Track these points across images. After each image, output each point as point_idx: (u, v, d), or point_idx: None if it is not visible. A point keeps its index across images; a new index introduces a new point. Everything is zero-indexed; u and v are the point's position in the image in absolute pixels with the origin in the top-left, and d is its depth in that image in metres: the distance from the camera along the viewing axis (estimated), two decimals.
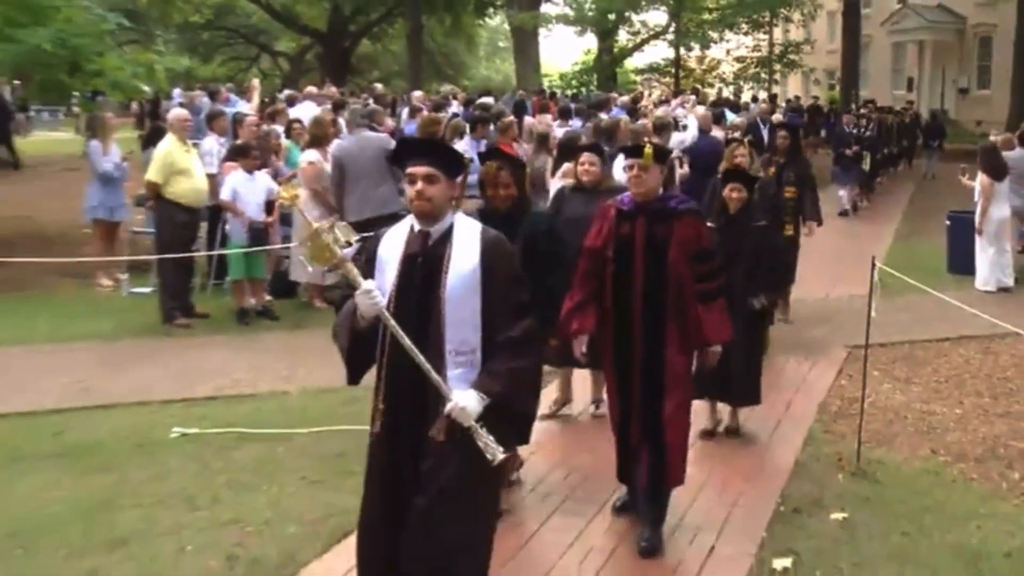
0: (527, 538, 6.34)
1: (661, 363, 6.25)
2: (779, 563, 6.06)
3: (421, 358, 4.41)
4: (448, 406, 4.41)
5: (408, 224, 4.77)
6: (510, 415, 4.65)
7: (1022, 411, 8.98)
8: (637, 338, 6.31)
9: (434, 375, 4.44)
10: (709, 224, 7.42)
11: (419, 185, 4.56)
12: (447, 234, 4.66)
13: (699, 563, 6.07)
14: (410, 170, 4.60)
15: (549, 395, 8.45)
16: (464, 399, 4.41)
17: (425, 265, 4.63)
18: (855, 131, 22.55)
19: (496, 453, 4.38)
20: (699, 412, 7.60)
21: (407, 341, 4.41)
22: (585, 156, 8.32)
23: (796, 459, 7.74)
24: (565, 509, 6.83)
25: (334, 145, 12.34)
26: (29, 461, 7.50)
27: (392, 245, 4.74)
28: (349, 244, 4.55)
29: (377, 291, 4.50)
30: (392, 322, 4.45)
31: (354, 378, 4.86)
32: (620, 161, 11.84)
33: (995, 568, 6.09)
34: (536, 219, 6.87)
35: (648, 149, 6.36)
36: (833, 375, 9.87)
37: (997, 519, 6.76)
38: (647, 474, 6.32)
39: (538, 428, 6.16)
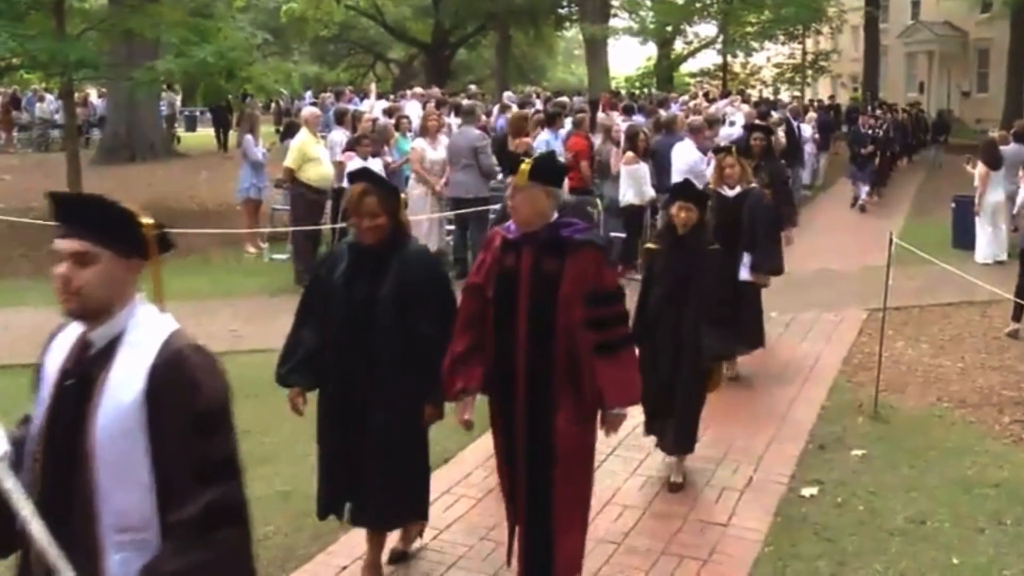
0: None
1: (549, 433, 4.29)
2: (807, 491, 6.05)
3: (45, 541, 2.42)
4: None
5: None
6: None
7: (1013, 365, 8.83)
8: (520, 398, 4.35)
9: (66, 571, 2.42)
10: (652, 245, 6.37)
11: (63, 268, 2.54)
12: (114, 343, 2.58)
13: (739, 490, 6.06)
14: (55, 244, 2.58)
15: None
16: None
17: (76, 392, 2.56)
18: (870, 132, 20.52)
19: None
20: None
21: (27, 513, 2.43)
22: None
23: (822, 404, 7.68)
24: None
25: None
26: None
27: (58, 351, 2.67)
28: None
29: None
30: (8, 482, 2.45)
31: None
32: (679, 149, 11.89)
33: (986, 495, 6.07)
34: (412, 259, 4.58)
35: (525, 165, 4.34)
36: (855, 333, 9.75)
37: (989, 455, 6.73)
38: (523, 566, 4.50)
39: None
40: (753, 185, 8.06)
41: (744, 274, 7.86)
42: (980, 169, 13.46)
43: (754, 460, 6.51)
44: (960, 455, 6.69)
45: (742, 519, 5.65)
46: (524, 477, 4.39)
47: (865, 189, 19.40)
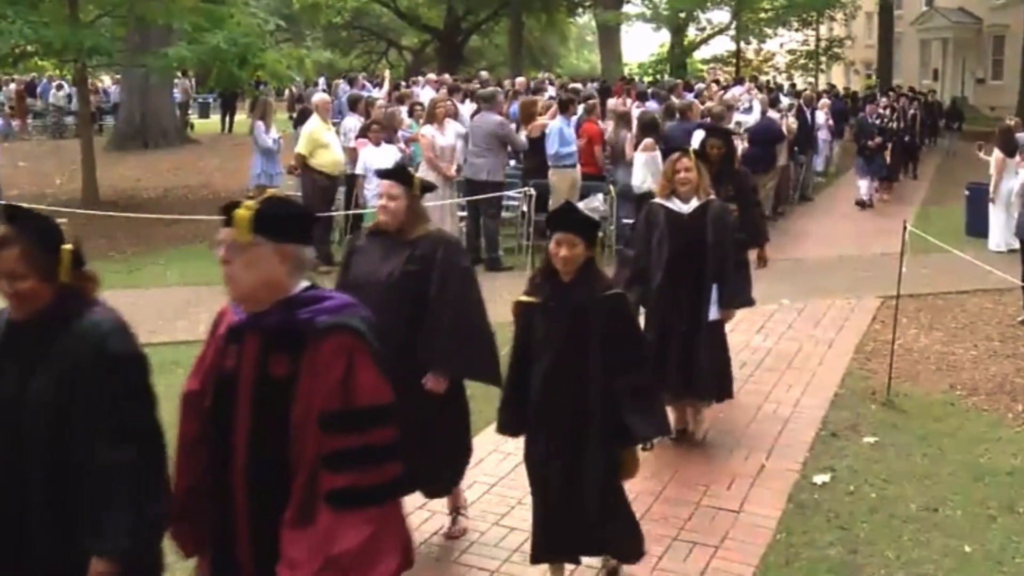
0: None
1: None
2: (819, 478, 6.04)
3: None
4: None
5: None
6: None
7: None
8: (244, 557, 2.95)
9: None
10: (528, 297, 4.45)
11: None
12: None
13: (752, 477, 6.05)
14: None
15: None
16: None
17: None
18: (878, 122, 18.36)
19: None
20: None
21: None
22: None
23: (835, 391, 7.65)
24: None
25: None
26: None
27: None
28: None
29: None
30: None
31: None
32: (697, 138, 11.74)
33: (999, 483, 6.05)
34: (84, 339, 2.95)
35: (244, 211, 2.87)
36: (868, 320, 9.71)
37: (1002, 443, 6.70)
38: None
39: None
40: (712, 197, 6.36)
41: (712, 312, 6.35)
42: (996, 156, 13.37)
43: (766, 447, 6.50)
44: (973, 443, 6.67)
45: (754, 506, 5.65)
46: None
47: (872, 185, 17.61)
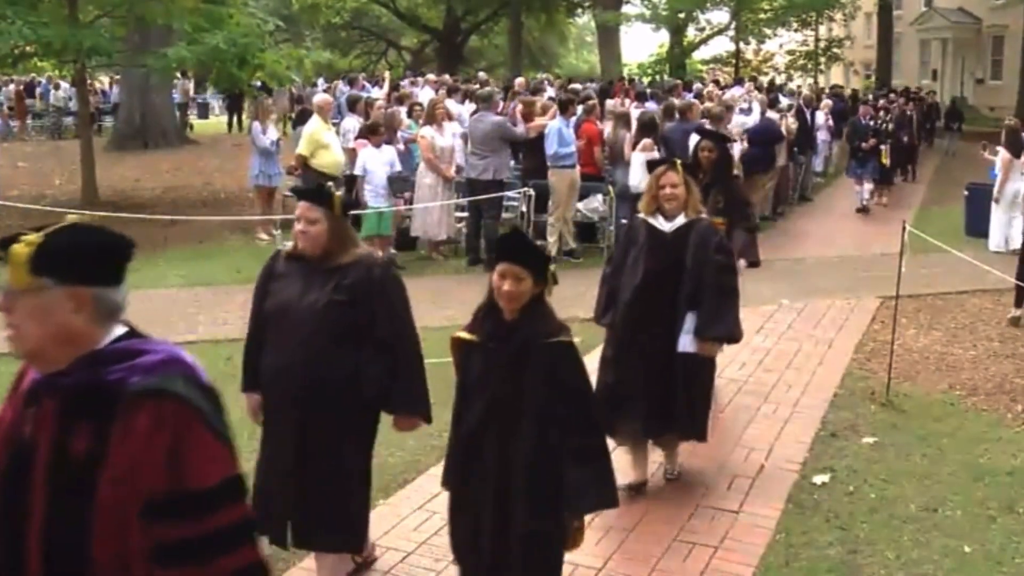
0: None
1: None
2: (819, 478, 6.04)
3: None
4: None
5: None
6: None
7: None
8: None
9: None
10: (466, 334, 3.87)
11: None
12: None
13: (751, 477, 6.05)
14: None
15: None
16: None
17: None
18: (872, 123, 17.40)
19: None
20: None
21: None
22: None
23: (835, 391, 7.65)
24: None
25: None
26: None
27: None
28: None
29: None
30: None
31: None
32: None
33: (999, 483, 6.05)
34: None
35: (23, 247, 2.25)
36: (868, 320, 9.70)
37: (1002, 443, 6.70)
38: None
39: None
40: (702, 216, 5.77)
41: (685, 343, 5.57)
42: (1003, 156, 13.34)
43: (765, 447, 6.50)
44: (972, 443, 6.66)
45: (753, 506, 5.64)
46: None
47: (868, 188, 16.94)
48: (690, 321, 5.55)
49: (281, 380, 4.25)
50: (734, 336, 5.81)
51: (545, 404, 3.69)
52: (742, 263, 6.80)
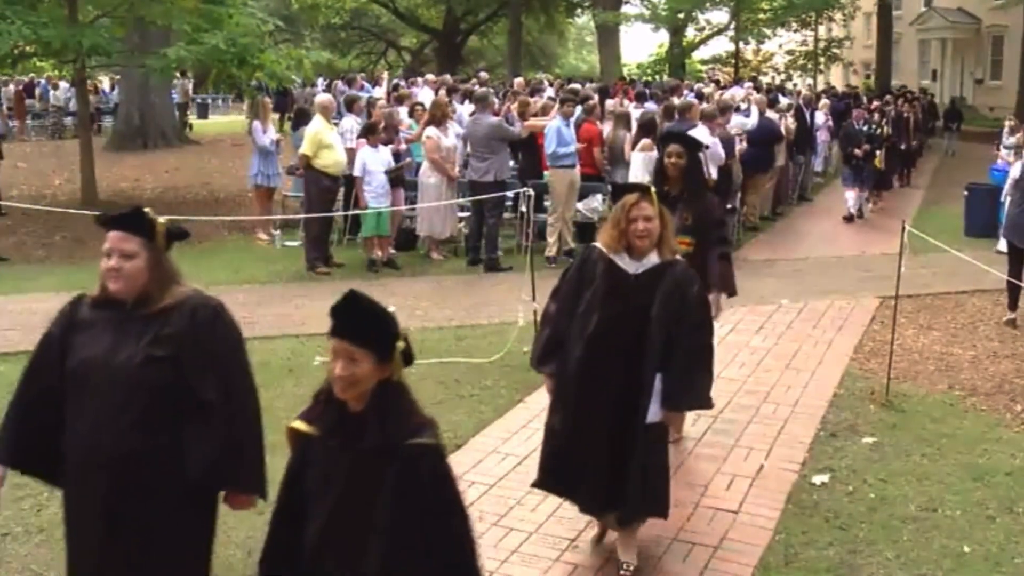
0: None
1: None
2: (818, 479, 6.03)
3: None
4: None
5: None
6: None
7: None
8: None
9: None
10: (303, 425, 3.06)
11: None
12: None
13: (750, 477, 6.04)
14: None
15: None
16: None
17: None
18: (866, 127, 16.23)
19: None
20: None
21: None
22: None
23: (834, 392, 7.64)
24: None
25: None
26: None
27: None
28: None
29: None
30: None
31: None
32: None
33: (998, 483, 6.04)
34: None
35: None
36: (867, 321, 9.70)
37: (1002, 443, 6.69)
38: None
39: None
40: (677, 258, 4.78)
41: (654, 414, 4.64)
42: None
43: (765, 447, 6.49)
44: (972, 443, 6.66)
45: (753, 506, 5.64)
46: None
47: (862, 196, 16.02)
48: (658, 386, 4.63)
49: (85, 460, 3.35)
50: (704, 406, 4.98)
51: (401, 522, 2.87)
52: (722, 297, 6.20)
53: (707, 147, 10.04)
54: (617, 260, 4.67)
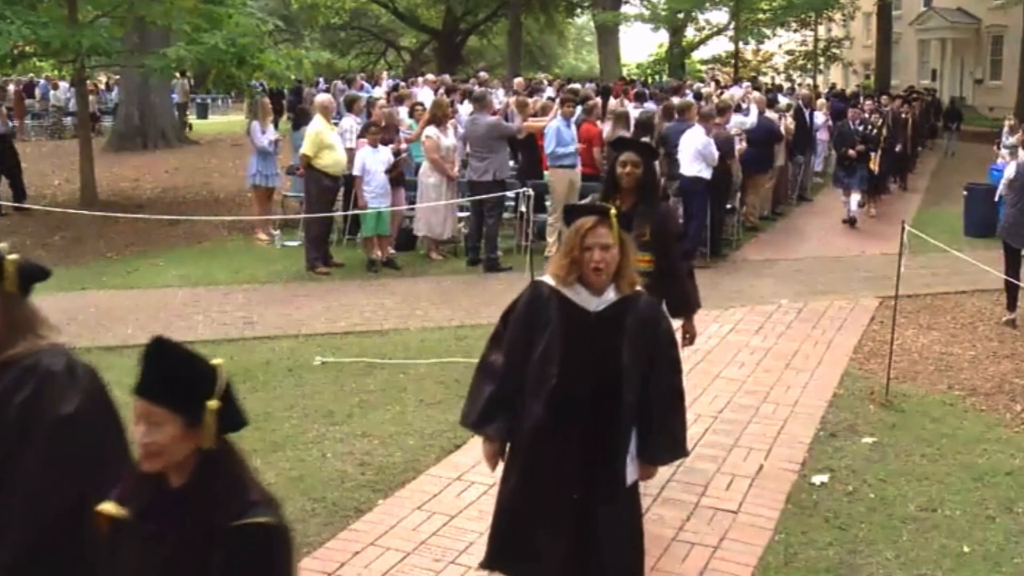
0: None
1: None
2: (818, 479, 6.03)
3: None
4: None
5: None
6: None
7: None
8: None
9: None
10: (113, 508, 2.40)
11: None
12: None
13: (750, 477, 6.05)
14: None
15: None
16: None
17: None
18: (861, 128, 15.66)
19: None
20: None
21: None
22: None
23: (834, 392, 7.64)
24: None
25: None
26: None
27: None
28: None
29: None
30: None
31: None
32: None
33: (998, 483, 6.05)
34: None
35: None
36: (867, 321, 9.70)
37: (1001, 443, 6.69)
38: None
39: None
40: (639, 290, 4.03)
41: (631, 472, 4.05)
42: None
43: (765, 447, 6.50)
44: (971, 443, 6.66)
45: (752, 506, 5.64)
46: None
47: (856, 199, 15.26)
48: (633, 441, 4.06)
49: None
50: (681, 456, 4.40)
51: None
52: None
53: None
54: (572, 296, 3.93)
